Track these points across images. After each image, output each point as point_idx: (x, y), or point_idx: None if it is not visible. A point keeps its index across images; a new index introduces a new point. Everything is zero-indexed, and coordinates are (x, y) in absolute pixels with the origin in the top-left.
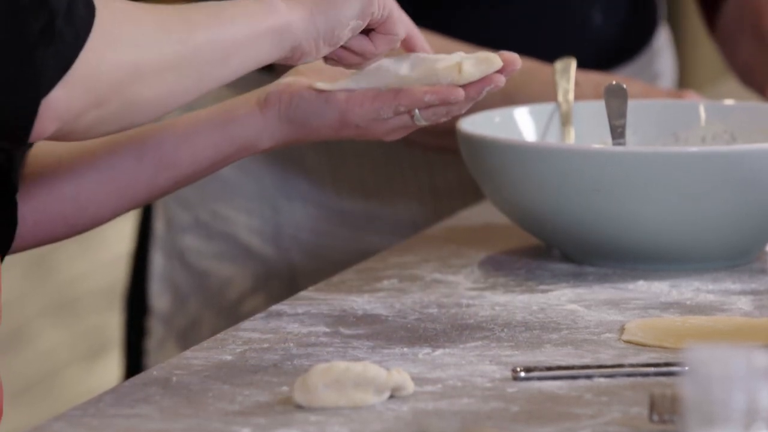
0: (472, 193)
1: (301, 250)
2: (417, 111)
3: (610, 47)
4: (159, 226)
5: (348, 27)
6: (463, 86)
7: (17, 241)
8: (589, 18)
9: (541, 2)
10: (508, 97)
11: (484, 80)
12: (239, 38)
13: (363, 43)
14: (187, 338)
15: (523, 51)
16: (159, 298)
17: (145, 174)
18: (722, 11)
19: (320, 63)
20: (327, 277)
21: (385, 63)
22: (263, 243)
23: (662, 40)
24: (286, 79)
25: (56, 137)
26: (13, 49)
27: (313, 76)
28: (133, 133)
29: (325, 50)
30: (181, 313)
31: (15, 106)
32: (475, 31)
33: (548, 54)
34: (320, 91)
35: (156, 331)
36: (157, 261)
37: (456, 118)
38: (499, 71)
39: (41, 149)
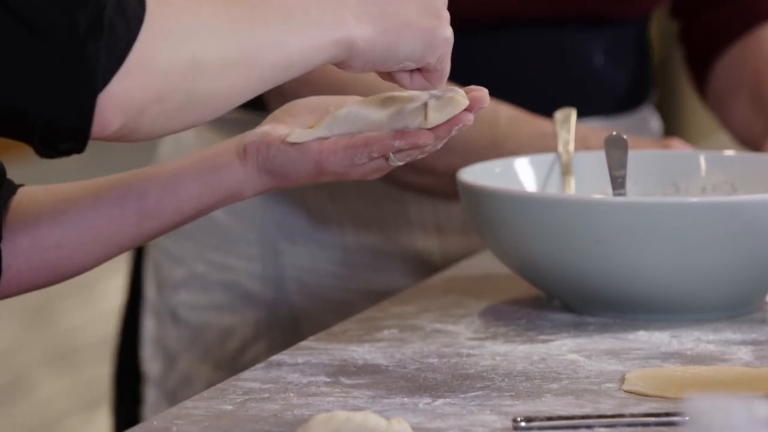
0: None
1: (303, 292)
2: (391, 154)
3: (612, 91)
4: (150, 290)
5: (401, 64)
6: (432, 127)
7: (1, 289)
8: (590, 59)
9: (541, 39)
10: (494, 144)
11: (451, 121)
12: (304, 46)
13: (401, 75)
14: (178, 398)
15: (520, 87)
16: (151, 362)
17: (128, 223)
18: (714, 72)
19: (297, 106)
20: (329, 319)
21: (356, 109)
22: (264, 288)
23: (651, 117)
24: (263, 128)
25: (122, 135)
26: (63, 43)
27: (290, 121)
28: (117, 182)
29: (368, 71)
30: (171, 374)
31: (72, 101)
32: (474, 65)
33: (546, 91)
34: (293, 144)
35: (149, 396)
36: (149, 325)
37: (441, 159)
38: (467, 109)
39: (24, 197)
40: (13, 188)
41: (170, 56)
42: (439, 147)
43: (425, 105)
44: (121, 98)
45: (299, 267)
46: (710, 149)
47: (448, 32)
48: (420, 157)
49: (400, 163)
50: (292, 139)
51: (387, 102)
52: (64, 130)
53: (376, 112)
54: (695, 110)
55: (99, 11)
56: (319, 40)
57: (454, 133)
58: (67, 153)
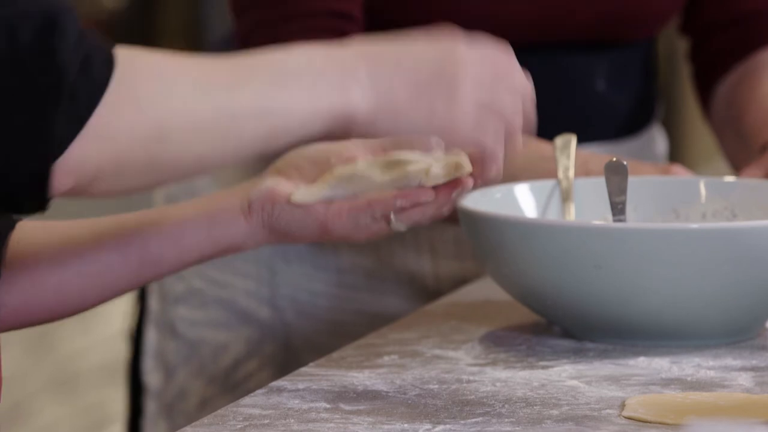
0: (470, 251)
1: (297, 311)
2: (393, 216)
3: (615, 115)
4: (153, 302)
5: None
6: (435, 190)
7: None
8: (592, 83)
9: (543, 60)
10: (512, 178)
11: (452, 183)
12: (290, 116)
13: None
14: (174, 410)
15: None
16: (152, 374)
17: (128, 269)
18: (716, 94)
19: (300, 157)
20: (322, 339)
21: (360, 170)
22: (259, 305)
23: (659, 137)
24: (268, 183)
25: (74, 193)
26: (20, 109)
27: (294, 175)
28: (118, 227)
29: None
30: (169, 386)
31: (26, 168)
32: None
33: (548, 115)
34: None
35: (150, 408)
36: (151, 337)
37: None
38: (471, 174)
39: (23, 235)
40: (11, 223)
41: (132, 123)
42: (445, 213)
43: (428, 168)
44: (73, 162)
45: (294, 286)
46: (714, 173)
47: (463, 122)
48: (424, 221)
49: (403, 228)
50: (296, 199)
51: (391, 165)
52: (19, 196)
53: (380, 174)
54: (703, 126)
55: (60, 78)
56: (309, 109)
57: (455, 197)
58: (28, 212)
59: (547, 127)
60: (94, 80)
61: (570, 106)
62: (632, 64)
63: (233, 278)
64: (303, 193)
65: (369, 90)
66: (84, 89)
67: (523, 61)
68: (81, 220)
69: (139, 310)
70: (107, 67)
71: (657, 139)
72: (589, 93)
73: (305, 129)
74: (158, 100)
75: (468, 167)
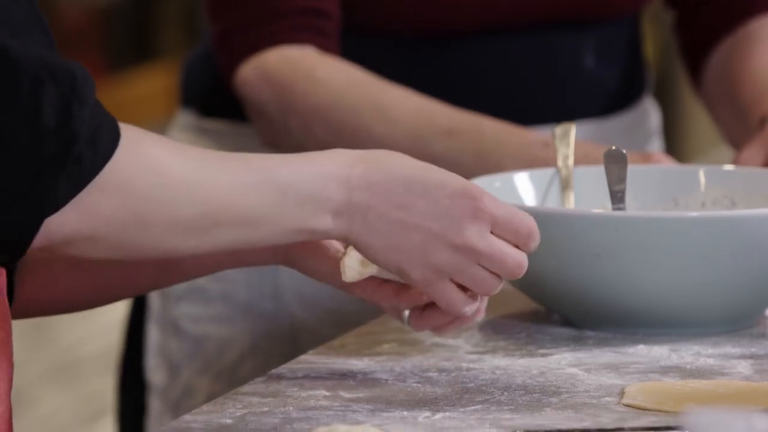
0: None
1: (301, 303)
2: (406, 314)
3: (604, 91)
4: (154, 299)
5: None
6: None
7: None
8: (581, 60)
9: (530, 40)
10: (479, 157)
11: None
12: (274, 231)
13: (385, 290)
14: (181, 408)
15: (512, 92)
16: (156, 372)
17: (146, 275)
18: (707, 67)
19: None
20: (327, 330)
21: None
22: (262, 299)
23: (651, 110)
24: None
25: (42, 252)
26: (27, 165)
27: None
28: None
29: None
30: (174, 384)
31: (18, 222)
32: (464, 72)
33: (538, 94)
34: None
35: (154, 406)
36: (153, 335)
37: None
38: None
39: None
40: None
41: (115, 206)
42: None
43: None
44: (52, 225)
45: (297, 278)
46: (717, 159)
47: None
48: (426, 330)
49: (408, 327)
50: (348, 279)
51: None
52: (1, 244)
53: None
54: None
55: (71, 143)
56: (291, 228)
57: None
58: None
59: (539, 106)
60: (99, 152)
61: (560, 83)
62: (619, 39)
63: (235, 272)
64: (352, 273)
65: (351, 222)
66: (88, 159)
67: (512, 40)
68: None
69: (134, 305)
70: (113, 142)
71: (650, 112)
72: (578, 70)
73: (280, 241)
74: (146, 192)
75: None
